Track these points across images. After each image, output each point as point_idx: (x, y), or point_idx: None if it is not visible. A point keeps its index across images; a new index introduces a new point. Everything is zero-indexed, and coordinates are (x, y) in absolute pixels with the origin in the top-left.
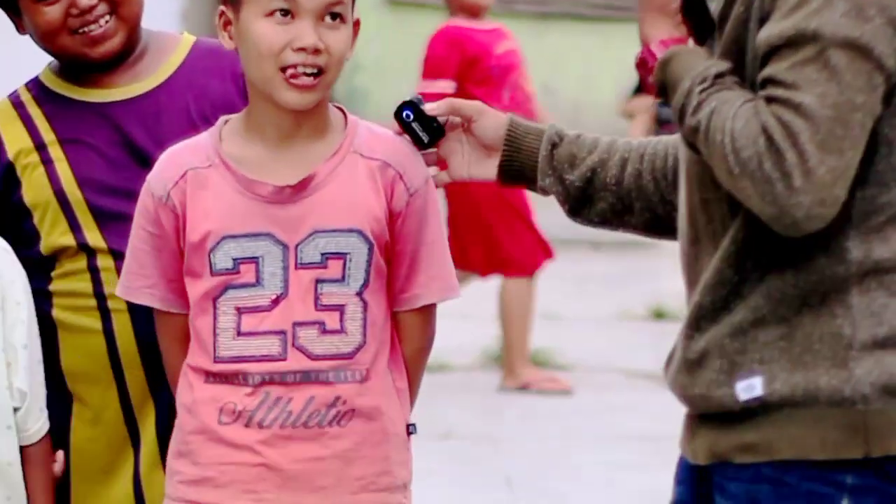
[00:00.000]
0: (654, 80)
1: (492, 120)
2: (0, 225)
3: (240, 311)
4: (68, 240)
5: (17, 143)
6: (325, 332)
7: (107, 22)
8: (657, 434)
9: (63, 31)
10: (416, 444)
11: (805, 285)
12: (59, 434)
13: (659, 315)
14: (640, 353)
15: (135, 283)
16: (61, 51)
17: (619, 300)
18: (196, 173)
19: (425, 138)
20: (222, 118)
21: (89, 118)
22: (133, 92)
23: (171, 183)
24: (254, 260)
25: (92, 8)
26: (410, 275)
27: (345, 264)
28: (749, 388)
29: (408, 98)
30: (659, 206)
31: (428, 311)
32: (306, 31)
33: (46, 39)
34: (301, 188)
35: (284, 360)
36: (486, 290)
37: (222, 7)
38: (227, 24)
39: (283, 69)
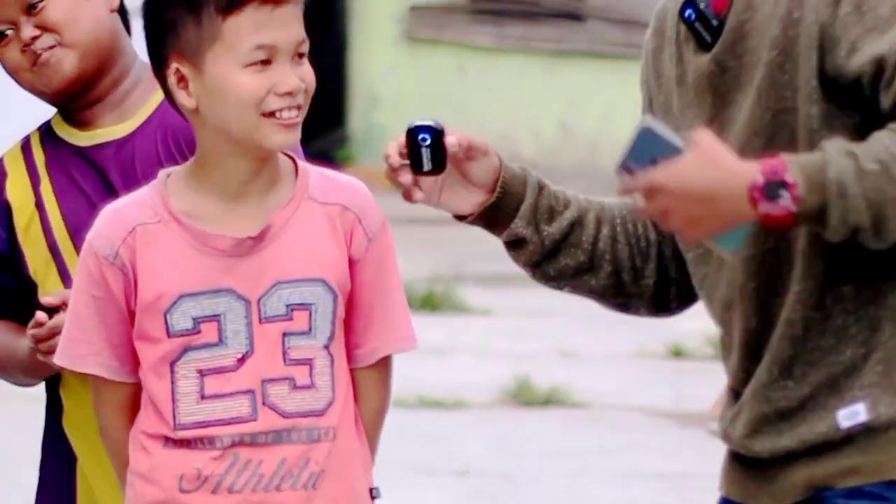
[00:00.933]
0: (802, 205)
1: (489, 160)
2: (3, 275)
3: (202, 373)
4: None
5: (19, 194)
6: (295, 388)
7: (52, 50)
8: (675, 472)
9: (24, 70)
10: (433, 481)
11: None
12: (65, 495)
13: (677, 353)
14: (658, 392)
15: (78, 350)
16: (31, 90)
17: (636, 338)
18: (145, 229)
19: (427, 167)
20: (163, 171)
21: (79, 163)
22: (116, 134)
23: (119, 240)
24: (215, 318)
25: (34, 39)
26: (368, 326)
27: (310, 315)
28: (852, 415)
29: (430, 122)
30: (627, 272)
31: (385, 366)
32: (288, 75)
33: (16, 81)
34: (260, 238)
35: (255, 420)
36: (499, 328)
37: (176, 65)
38: (182, 80)
39: (267, 114)
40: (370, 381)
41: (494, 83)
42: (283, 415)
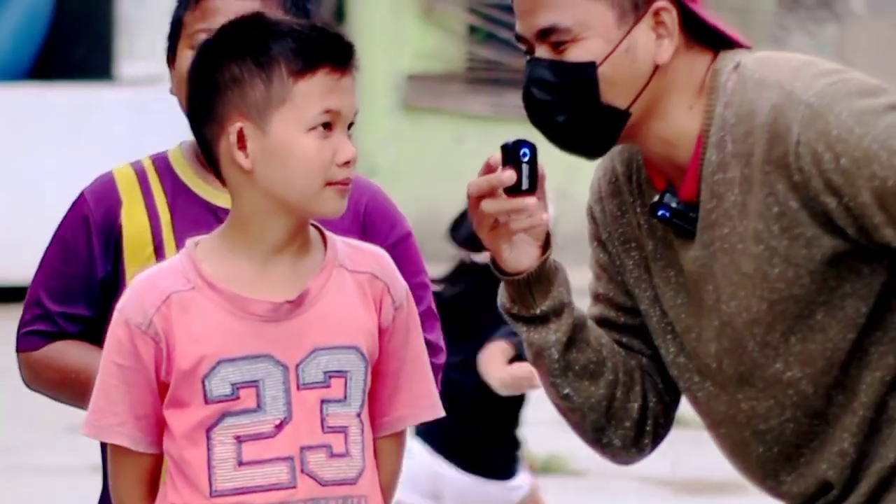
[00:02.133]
0: None
1: (546, 206)
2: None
3: (240, 439)
4: None
5: (135, 229)
6: (332, 455)
7: None
8: None
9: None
10: None
11: None
12: None
13: (675, 422)
14: (654, 459)
15: (104, 420)
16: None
17: None
18: (180, 297)
19: (526, 184)
20: (191, 240)
21: (208, 218)
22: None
23: (153, 309)
24: (254, 384)
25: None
26: (394, 395)
27: (346, 383)
28: None
29: (524, 138)
30: (620, 387)
31: (403, 434)
32: (346, 143)
33: (183, 86)
34: (298, 304)
35: (294, 487)
36: None
37: (239, 124)
38: (242, 139)
39: (330, 184)
40: (390, 450)
41: (492, 151)
42: (321, 482)
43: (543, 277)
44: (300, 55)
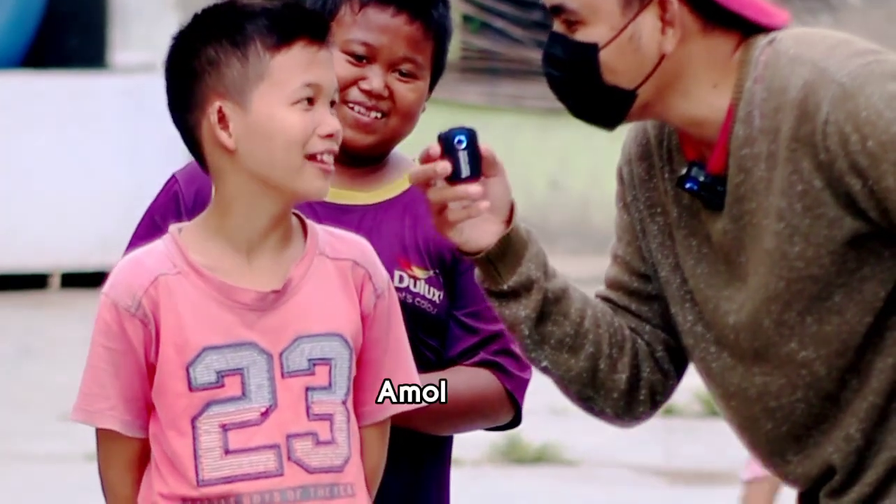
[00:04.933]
0: None
1: (504, 183)
2: None
3: (225, 427)
4: None
5: None
6: (318, 443)
7: (377, 118)
8: None
9: (343, 91)
10: None
11: None
12: None
13: (667, 411)
14: (648, 449)
15: (95, 405)
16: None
17: None
18: (166, 279)
19: (466, 171)
20: (174, 226)
21: (305, 211)
22: (356, 200)
23: (141, 291)
24: (239, 371)
25: (378, 96)
26: (377, 384)
27: (330, 371)
28: None
29: (461, 126)
30: (604, 359)
31: (386, 423)
32: (329, 117)
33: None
34: (283, 293)
35: (281, 475)
36: None
37: (219, 104)
38: (223, 119)
39: (310, 157)
40: (373, 439)
41: (486, 141)
42: (309, 470)
43: (510, 253)
44: (274, 30)
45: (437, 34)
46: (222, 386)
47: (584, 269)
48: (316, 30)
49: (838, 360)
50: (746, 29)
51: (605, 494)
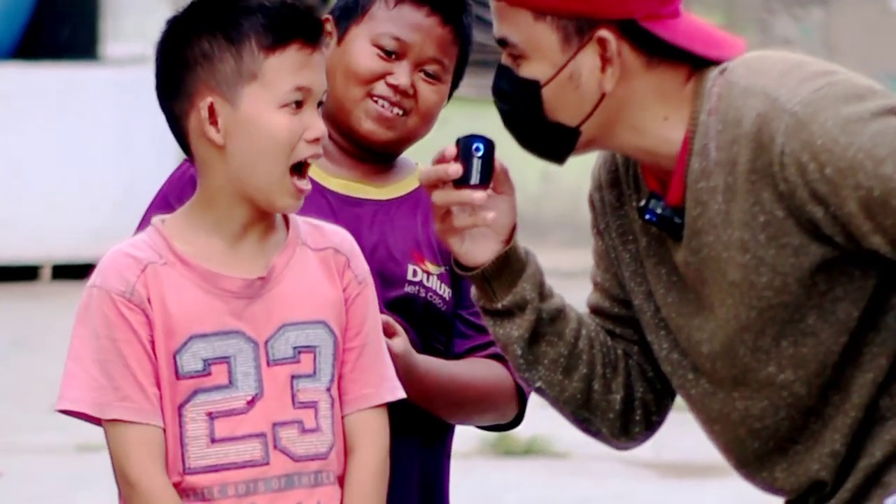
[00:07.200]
0: None
1: (510, 203)
2: None
3: (212, 416)
4: None
5: None
6: (304, 431)
7: (399, 115)
8: None
9: (368, 83)
10: None
11: None
12: None
13: None
14: None
15: (105, 397)
16: (350, 104)
17: None
18: (154, 268)
19: (475, 179)
20: (157, 218)
21: (319, 203)
22: (368, 194)
23: (134, 277)
24: (225, 360)
25: (403, 92)
26: (358, 372)
27: (315, 358)
28: None
29: (482, 134)
30: (598, 380)
31: (382, 415)
32: (316, 120)
33: (351, 80)
34: (268, 280)
35: (267, 464)
36: None
37: (210, 98)
38: (214, 114)
39: (294, 169)
40: (373, 425)
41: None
42: (294, 458)
43: (506, 272)
44: (271, 30)
45: (464, 41)
46: (209, 374)
47: (576, 261)
48: (311, 32)
49: (818, 379)
50: (696, 62)
51: (596, 487)
